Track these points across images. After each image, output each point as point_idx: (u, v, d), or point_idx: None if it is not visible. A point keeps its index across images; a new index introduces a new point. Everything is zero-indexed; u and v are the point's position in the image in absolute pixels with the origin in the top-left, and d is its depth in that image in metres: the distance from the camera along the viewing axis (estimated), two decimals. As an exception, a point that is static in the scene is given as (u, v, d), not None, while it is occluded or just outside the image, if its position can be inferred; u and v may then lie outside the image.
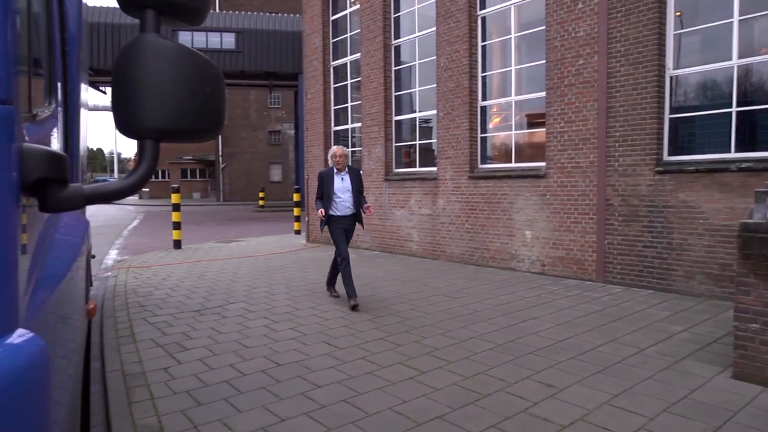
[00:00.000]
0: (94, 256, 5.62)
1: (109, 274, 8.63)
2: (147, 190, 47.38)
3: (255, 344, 4.76)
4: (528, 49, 8.42)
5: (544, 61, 7.75)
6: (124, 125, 1.15)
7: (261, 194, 27.73)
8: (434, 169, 9.61)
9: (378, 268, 8.76)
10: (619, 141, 6.90)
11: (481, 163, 8.91)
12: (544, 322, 5.31)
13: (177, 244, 11.72)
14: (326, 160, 12.91)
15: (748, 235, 3.71)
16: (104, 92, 29.61)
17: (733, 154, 6.12)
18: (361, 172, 6.79)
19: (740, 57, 6.09)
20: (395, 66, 10.65)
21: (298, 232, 14.45)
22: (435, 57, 9.47)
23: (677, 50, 6.61)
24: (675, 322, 5.27)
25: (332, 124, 12.37)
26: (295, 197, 14.75)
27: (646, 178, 6.65)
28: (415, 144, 10.37)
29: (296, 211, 14.65)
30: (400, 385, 3.79)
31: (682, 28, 6.59)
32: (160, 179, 49.52)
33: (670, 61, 6.61)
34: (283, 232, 15.70)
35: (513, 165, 8.44)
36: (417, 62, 10.25)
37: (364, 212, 6.23)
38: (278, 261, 9.73)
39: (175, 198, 11.96)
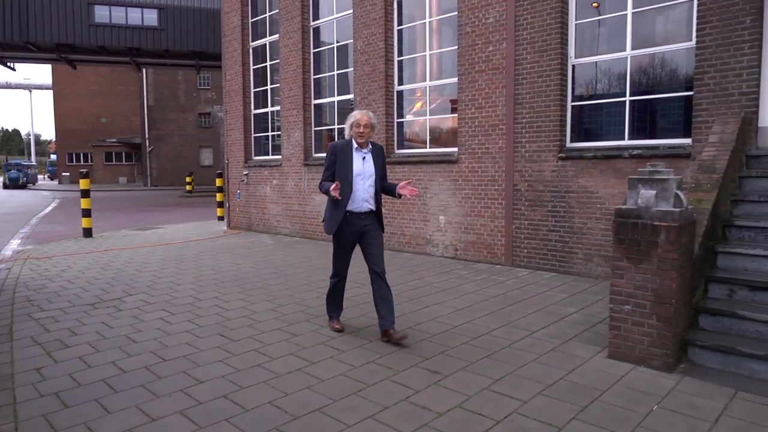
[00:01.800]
0: None
1: (2, 266, 8.05)
2: (67, 174, 44.74)
3: (144, 339, 4.55)
4: (443, 34, 8.43)
5: (457, 47, 7.78)
6: None
7: (188, 179, 26.81)
8: (352, 154, 9.51)
9: (294, 254, 8.62)
10: (525, 127, 7.04)
11: (398, 148, 8.89)
12: (445, 308, 5.37)
13: (87, 233, 11.10)
14: (246, 145, 12.64)
15: (621, 220, 3.86)
16: (13, 69, 27.57)
17: (626, 142, 6.38)
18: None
19: (633, 48, 6.32)
20: (314, 48, 10.42)
21: (221, 218, 14.04)
22: (352, 40, 9.33)
23: (579, 40, 6.79)
24: (569, 303, 5.46)
25: (252, 107, 12.01)
26: (218, 182, 14.30)
27: (550, 164, 6.83)
28: (335, 128, 10.22)
29: (219, 197, 14.22)
30: (286, 377, 3.72)
31: (583, 18, 6.76)
32: (82, 162, 46.87)
33: (572, 49, 6.78)
34: (207, 219, 15.23)
35: (427, 150, 8.48)
36: (335, 45, 10.07)
37: (399, 195, 4.42)
38: (193, 249, 9.40)
39: (84, 183, 11.28)
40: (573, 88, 6.84)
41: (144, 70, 36.64)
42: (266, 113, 11.81)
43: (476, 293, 5.89)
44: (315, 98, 10.49)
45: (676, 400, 3.31)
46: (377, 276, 4.41)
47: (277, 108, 11.27)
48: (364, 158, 4.35)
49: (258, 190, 11.63)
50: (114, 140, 46.44)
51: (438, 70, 8.45)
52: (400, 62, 8.87)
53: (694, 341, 3.85)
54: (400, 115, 8.93)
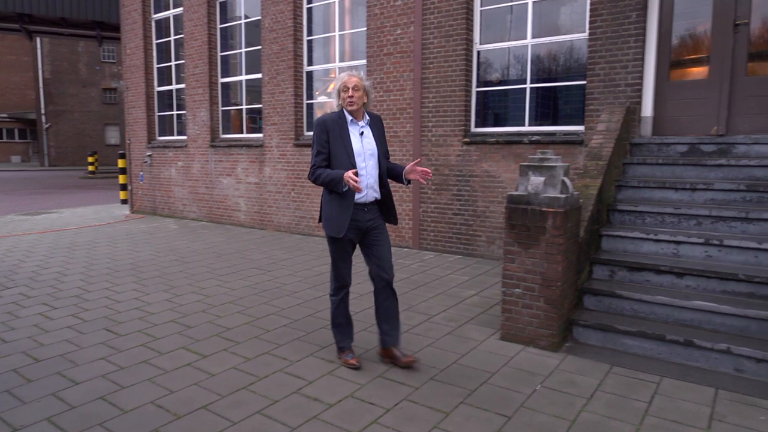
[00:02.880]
0: None
1: None
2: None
3: (17, 337, 4.17)
4: (354, 15, 8.28)
5: (366, 29, 7.67)
6: None
7: (91, 159, 25.08)
8: (260, 135, 9.23)
9: (199, 240, 8.27)
10: (432, 112, 7.09)
11: (307, 130, 8.71)
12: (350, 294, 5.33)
13: (-34, 219, 10.09)
14: (149, 124, 11.86)
15: (512, 206, 3.96)
16: None
17: (527, 128, 6.58)
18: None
19: (534, 37, 6.50)
20: (221, 23, 9.93)
21: (124, 202, 13.23)
22: (260, 17, 8.97)
23: (484, 26, 6.88)
24: (470, 286, 5.60)
25: (155, 84, 11.32)
26: (120, 163, 13.43)
27: (455, 148, 6.93)
28: (242, 108, 9.85)
29: (122, 179, 13.37)
30: (173, 373, 3.54)
31: (488, 5, 6.85)
32: (-33, 140, 42.58)
33: (477, 35, 6.87)
34: (110, 202, 14.32)
35: (337, 133, 8.35)
36: (243, 21, 9.65)
37: (408, 180, 3.56)
38: (88, 235, 8.79)
39: (-40, 165, 10.19)
40: (478, 74, 6.95)
41: (38, 40, 33.63)
42: (171, 91, 11.16)
43: (381, 278, 5.90)
44: (222, 76, 10.03)
45: (558, 378, 3.47)
46: (385, 285, 3.55)
47: (183, 86, 10.68)
48: (362, 133, 3.47)
49: (163, 172, 11.04)
50: (4, 115, 42.48)
51: (349, 52, 8.31)
52: (309, 42, 8.64)
53: (578, 321, 4.05)
54: (310, 96, 8.72)
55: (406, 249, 7.42)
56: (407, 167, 3.51)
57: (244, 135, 9.71)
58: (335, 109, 3.55)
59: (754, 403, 3.16)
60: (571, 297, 4.08)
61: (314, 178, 3.44)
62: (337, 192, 3.40)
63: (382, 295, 3.58)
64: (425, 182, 3.54)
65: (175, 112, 11.09)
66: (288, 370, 3.60)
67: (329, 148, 3.43)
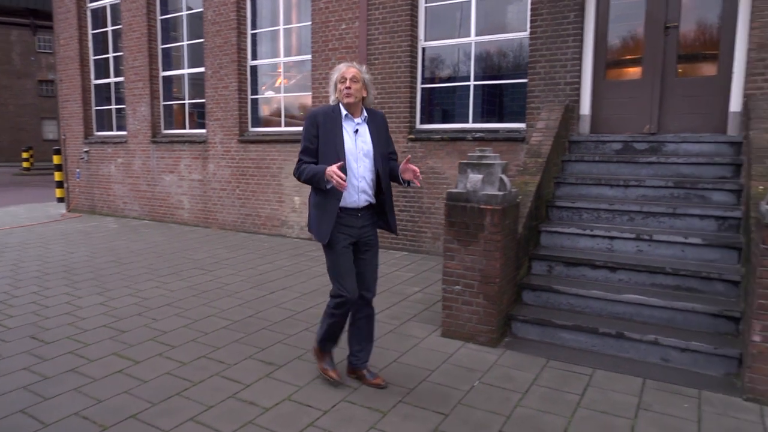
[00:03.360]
0: None
1: None
2: None
3: (-68, 348, 3.91)
4: (300, 9, 8.14)
5: (311, 23, 7.56)
6: None
7: (25, 155, 23.87)
8: (204, 131, 8.98)
9: (139, 239, 7.98)
10: (377, 108, 7.05)
11: (252, 126, 8.53)
12: (292, 293, 5.26)
13: None
14: (86, 119, 11.31)
15: (452, 203, 3.98)
16: None
17: (471, 125, 6.65)
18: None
19: (478, 35, 6.56)
20: (162, 15, 9.58)
21: (61, 200, 12.63)
22: (202, 9, 8.71)
23: (429, 23, 6.90)
24: (414, 283, 5.62)
25: (92, 76, 10.82)
26: (56, 159, 12.80)
27: (400, 145, 6.93)
28: (185, 103, 9.56)
29: (57, 176, 12.75)
30: (102, 381, 3.38)
31: (432, 2, 6.87)
32: None
33: (422, 32, 6.88)
34: (46, 200, 13.65)
35: (282, 129, 8.22)
36: (185, 13, 9.34)
37: (403, 180, 3.20)
38: (19, 236, 8.33)
39: None
40: (423, 71, 6.97)
41: (-34, 28, 31.66)
42: (109, 84, 10.70)
43: (325, 276, 5.81)
44: (164, 69, 9.70)
45: (496, 373, 3.52)
46: (365, 303, 3.30)
47: (122, 79, 10.26)
48: (356, 130, 3.13)
49: (101, 168, 10.59)
50: (-69, 108, 39.80)
51: (296, 46, 8.17)
52: (254, 35, 8.45)
53: (517, 316, 4.13)
54: (255, 91, 8.54)
55: (353, 246, 7.38)
56: (401, 165, 3.17)
57: (187, 131, 9.43)
58: (331, 102, 3.21)
59: (679, 392, 3.30)
60: (510, 293, 4.15)
61: (298, 175, 3.13)
62: (323, 191, 3.07)
63: (360, 312, 3.30)
64: (419, 184, 3.21)
65: (114, 107, 10.64)
66: (225, 373, 3.51)
67: (318, 145, 3.11)
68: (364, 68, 3.21)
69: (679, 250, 4.28)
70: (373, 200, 3.21)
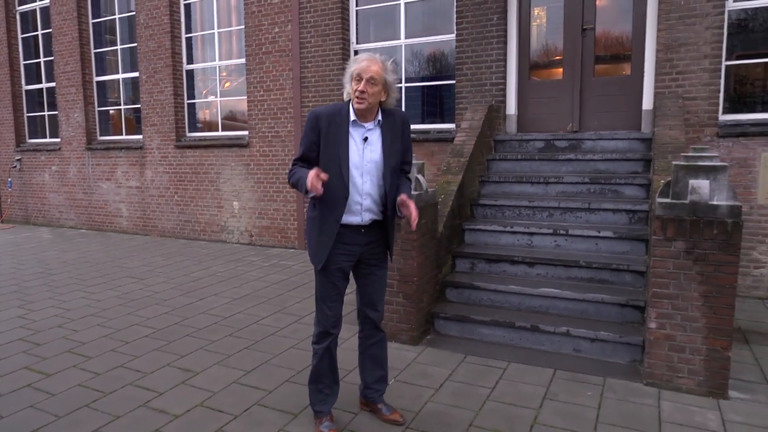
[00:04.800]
0: None
1: None
2: None
3: None
4: (235, 12, 8.06)
5: (244, 27, 7.51)
6: None
7: (-39, 164, 22.72)
8: (140, 137, 8.79)
9: (73, 249, 7.75)
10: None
11: (189, 131, 8.40)
12: (222, 298, 5.22)
13: None
14: (17, 126, 10.86)
15: (369, 206, 4.02)
16: None
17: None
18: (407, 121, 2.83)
19: (407, 37, 6.66)
20: (94, 18, 9.33)
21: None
22: (135, 12, 8.53)
23: (361, 25, 6.95)
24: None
25: (23, 82, 10.45)
26: (-11, 169, 12.30)
27: (336, 147, 6.95)
28: (121, 109, 9.33)
29: (-9, 186, 12.25)
30: (8, 397, 3.28)
31: (363, 5, 6.92)
32: None
33: (353, 35, 6.93)
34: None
35: (219, 134, 8.13)
36: (117, 16, 9.12)
37: (401, 214, 2.69)
38: (-57, 250, 7.96)
39: None
40: (357, 74, 7.00)
41: None
42: (41, 90, 10.35)
43: (259, 280, 5.82)
44: (98, 74, 9.44)
45: (413, 371, 3.59)
46: (372, 325, 2.91)
47: (53, 84, 9.94)
48: (366, 138, 2.63)
49: (35, 177, 10.23)
50: None
51: (232, 50, 8.09)
52: (189, 39, 8.33)
53: (439, 313, 4.20)
54: (192, 96, 8.42)
55: (291, 249, 7.37)
56: (400, 197, 2.63)
57: (124, 137, 9.21)
58: (344, 98, 2.68)
59: (586, 380, 3.43)
60: (431, 291, 4.23)
61: (287, 177, 2.71)
62: (322, 203, 2.62)
63: (371, 337, 2.92)
64: (414, 228, 2.64)
65: (47, 113, 10.29)
66: (139, 382, 3.45)
67: (318, 153, 2.61)
68: (389, 65, 2.63)
69: (593, 243, 4.44)
70: (379, 217, 2.74)
